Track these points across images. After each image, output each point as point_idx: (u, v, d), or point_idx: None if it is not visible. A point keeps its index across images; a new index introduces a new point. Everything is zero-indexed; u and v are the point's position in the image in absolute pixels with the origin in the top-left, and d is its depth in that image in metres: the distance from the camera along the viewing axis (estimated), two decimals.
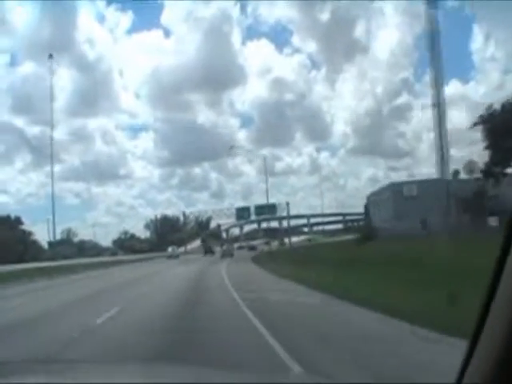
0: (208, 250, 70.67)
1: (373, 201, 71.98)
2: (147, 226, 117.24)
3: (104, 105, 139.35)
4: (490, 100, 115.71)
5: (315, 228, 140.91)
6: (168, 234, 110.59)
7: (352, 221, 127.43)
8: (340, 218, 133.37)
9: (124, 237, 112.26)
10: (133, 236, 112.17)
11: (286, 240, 78.69)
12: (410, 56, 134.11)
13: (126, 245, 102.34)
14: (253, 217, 56.83)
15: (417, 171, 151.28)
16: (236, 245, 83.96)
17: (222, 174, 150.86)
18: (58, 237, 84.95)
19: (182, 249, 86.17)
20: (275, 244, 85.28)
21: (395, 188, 61.11)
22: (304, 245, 70.54)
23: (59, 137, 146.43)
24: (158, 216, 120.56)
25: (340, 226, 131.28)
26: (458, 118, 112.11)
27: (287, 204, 68.83)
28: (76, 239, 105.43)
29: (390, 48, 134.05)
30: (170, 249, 75.44)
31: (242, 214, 74.14)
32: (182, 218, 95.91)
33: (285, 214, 73.94)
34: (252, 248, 74.19)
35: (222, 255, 54.10)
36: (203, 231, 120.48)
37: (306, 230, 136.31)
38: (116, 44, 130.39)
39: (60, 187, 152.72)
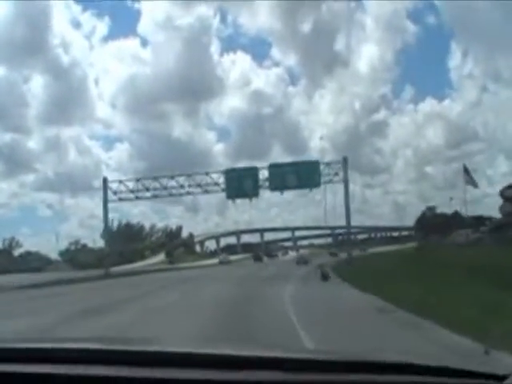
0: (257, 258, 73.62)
1: None
2: (104, 235, 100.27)
3: (78, 113, 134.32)
4: (466, 118, 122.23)
5: (300, 242, 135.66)
6: (128, 244, 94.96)
7: (341, 234, 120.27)
8: (327, 231, 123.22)
9: (75, 247, 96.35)
10: (84, 246, 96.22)
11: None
12: (390, 71, 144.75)
13: (75, 257, 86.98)
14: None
15: (391, 188, 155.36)
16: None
17: (197, 187, 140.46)
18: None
19: (135, 264, 75.30)
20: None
21: None
22: (357, 256, 55.35)
23: (32, 145, 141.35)
24: (119, 223, 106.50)
25: (329, 239, 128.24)
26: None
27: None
28: (21, 250, 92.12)
29: (369, 63, 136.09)
30: (221, 256, 78.54)
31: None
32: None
33: None
34: (303, 261, 50.37)
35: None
36: (172, 242, 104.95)
37: (290, 243, 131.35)
38: (91, 51, 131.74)
39: (32, 198, 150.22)
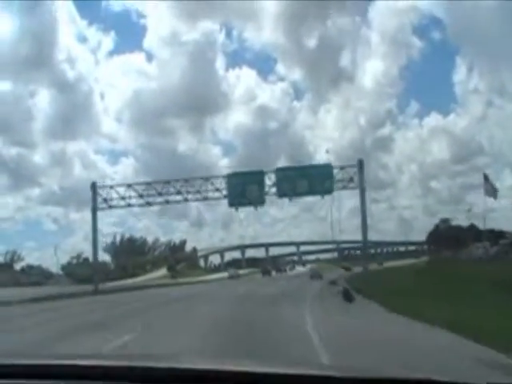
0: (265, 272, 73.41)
1: None
2: (107, 249, 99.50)
3: (84, 128, 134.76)
4: (471, 133, 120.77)
5: (306, 257, 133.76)
6: (131, 258, 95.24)
7: (348, 249, 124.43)
8: (333, 245, 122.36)
9: (76, 261, 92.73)
10: (86, 260, 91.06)
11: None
12: (395, 86, 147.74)
13: (76, 271, 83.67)
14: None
15: (396, 203, 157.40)
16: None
17: (196, 194, 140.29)
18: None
19: (136, 279, 73.07)
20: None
21: None
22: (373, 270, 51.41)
23: (37, 159, 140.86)
24: (122, 237, 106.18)
25: (335, 254, 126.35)
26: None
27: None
28: (22, 264, 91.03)
29: (375, 78, 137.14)
30: (231, 270, 78.31)
31: None
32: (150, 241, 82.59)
33: None
34: (317, 275, 47.11)
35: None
36: (174, 256, 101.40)
37: (295, 258, 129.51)
38: (97, 65, 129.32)
39: (37, 212, 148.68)
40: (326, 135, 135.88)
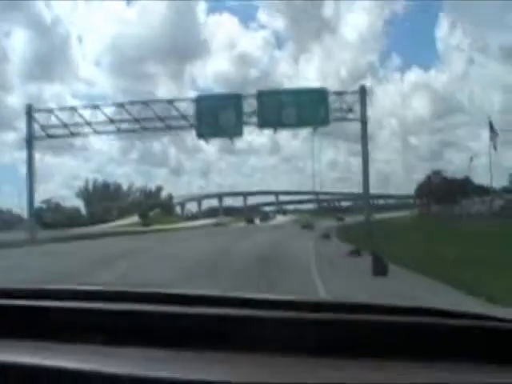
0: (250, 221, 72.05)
1: None
2: (80, 194, 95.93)
3: (61, 71, 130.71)
4: (451, 90, 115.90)
5: (285, 207, 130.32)
6: (105, 203, 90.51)
7: (327, 200, 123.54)
8: (312, 196, 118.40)
9: (47, 206, 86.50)
10: (58, 205, 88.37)
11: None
12: (377, 40, 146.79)
13: (47, 217, 76.65)
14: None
15: (374, 156, 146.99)
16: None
17: (182, 150, 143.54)
18: None
19: (110, 224, 69.91)
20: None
21: None
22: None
23: (13, 103, 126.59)
24: (95, 182, 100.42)
25: (314, 205, 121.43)
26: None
27: None
28: None
29: (357, 31, 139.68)
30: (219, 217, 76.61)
31: None
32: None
33: None
34: (308, 226, 43.95)
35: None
36: (147, 202, 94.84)
37: (272, 208, 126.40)
38: (75, 8, 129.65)
39: (13, 156, 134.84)
40: (306, 85, 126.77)
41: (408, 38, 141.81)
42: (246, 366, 1.01)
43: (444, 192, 67.38)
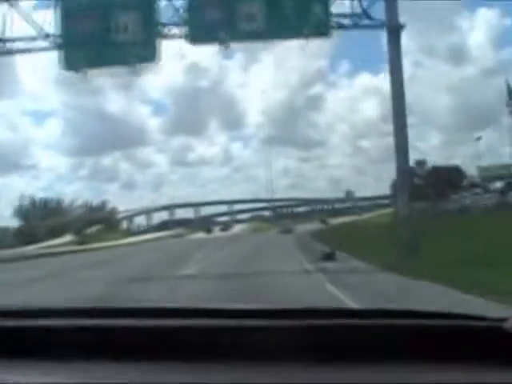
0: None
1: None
2: (16, 213, 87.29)
3: (5, 86, 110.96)
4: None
5: (239, 216, 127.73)
6: (42, 221, 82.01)
7: (281, 207, 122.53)
8: (267, 204, 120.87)
9: None
10: None
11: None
12: (326, 45, 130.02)
13: None
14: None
15: (326, 162, 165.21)
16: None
17: (133, 164, 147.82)
18: None
19: (40, 245, 60.09)
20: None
21: None
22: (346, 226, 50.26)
23: None
24: (32, 199, 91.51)
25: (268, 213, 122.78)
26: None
27: None
28: None
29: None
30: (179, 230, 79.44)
31: None
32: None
33: None
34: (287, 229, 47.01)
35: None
36: (86, 218, 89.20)
37: (226, 218, 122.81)
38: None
39: None
40: (257, 94, 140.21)
41: (356, 42, 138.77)
42: (243, 376, 1.02)
43: (431, 185, 59.25)
